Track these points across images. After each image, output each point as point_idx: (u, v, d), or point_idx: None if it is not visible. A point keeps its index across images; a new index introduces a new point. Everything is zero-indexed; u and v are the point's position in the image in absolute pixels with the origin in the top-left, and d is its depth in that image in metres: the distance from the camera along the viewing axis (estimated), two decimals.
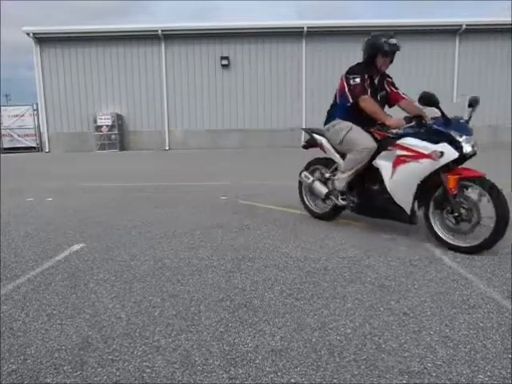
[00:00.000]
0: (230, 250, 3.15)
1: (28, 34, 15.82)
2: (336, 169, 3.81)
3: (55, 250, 3.22)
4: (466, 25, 15.49)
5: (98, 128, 16.07)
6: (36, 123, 17.02)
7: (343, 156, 3.66)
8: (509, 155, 10.58)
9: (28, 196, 5.75)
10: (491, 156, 11.19)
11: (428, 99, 2.96)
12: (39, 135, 17.01)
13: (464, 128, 2.99)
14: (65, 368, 1.64)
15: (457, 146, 2.91)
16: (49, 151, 16.70)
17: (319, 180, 3.99)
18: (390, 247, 3.14)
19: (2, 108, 17.39)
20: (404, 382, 1.52)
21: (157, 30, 15.68)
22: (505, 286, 2.37)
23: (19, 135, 17.16)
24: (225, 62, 16.16)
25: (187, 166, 9.91)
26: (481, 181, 2.86)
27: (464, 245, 2.96)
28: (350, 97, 3.53)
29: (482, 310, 2.09)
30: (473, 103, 3.20)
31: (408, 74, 16.24)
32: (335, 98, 3.77)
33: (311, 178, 4.02)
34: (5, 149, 16.95)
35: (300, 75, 16.29)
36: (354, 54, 15.95)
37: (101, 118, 16.05)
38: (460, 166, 3.02)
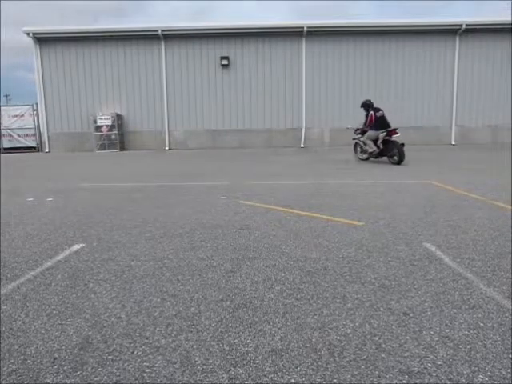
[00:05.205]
0: (230, 249, 3.15)
1: (28, 34, 15.82)
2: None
3: (55, 249, 3.22)
4: (466, 25, 15.49)
5: (98, 128, 16.08)
6: (36, 123, 17.01)
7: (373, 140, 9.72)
8: (509, 155, 10.57)
9: (28, 196, 5.75)
10: (492, 157, 11.19)
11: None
12: (39, 135, 17.00)
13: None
14: (65, 368, 1.64)
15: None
16: (49, 151, 16.70)
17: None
18: (390, 247, 3.15)
19: (2, 108, 17.38)
20: (404, 382, 1.52)
21: (157, 30, 15.68)
22: (505, 286, 2.36)
23: (19, 135, 17.16)
24: (225, 61, 16.16)
25: (187, 166, 9.91)
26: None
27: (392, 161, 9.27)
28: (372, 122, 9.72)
29: (482, 309, 2.09)
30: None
31: (408, 73, 16.25)
32: (366, 122, 9.94)
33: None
34: (5, 149, 16.95)
35: (300, 75, 16.29)
36: (354, 53, 16.02)
37: (101, 118, 16.05)
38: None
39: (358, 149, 10.39)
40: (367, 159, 9.98)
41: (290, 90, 16.44)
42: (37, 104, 16.76)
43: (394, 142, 9.05)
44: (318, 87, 16.37)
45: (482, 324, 1.94)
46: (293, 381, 1.53)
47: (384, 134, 9.16)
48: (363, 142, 9.86)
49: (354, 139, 10.56)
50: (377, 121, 9.42)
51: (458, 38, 15.98)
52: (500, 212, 4.27)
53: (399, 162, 8.84)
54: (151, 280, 2.56)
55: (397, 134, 9.14)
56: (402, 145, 8.91)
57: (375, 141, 9.40)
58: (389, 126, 9.33)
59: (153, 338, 1.86)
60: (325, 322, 1.98)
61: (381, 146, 9.28)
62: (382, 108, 9.70)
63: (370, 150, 9.53)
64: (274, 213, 4.42)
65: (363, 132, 9.95)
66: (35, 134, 17.09)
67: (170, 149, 16.54)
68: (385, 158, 9.54)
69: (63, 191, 6.16)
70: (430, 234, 3.50)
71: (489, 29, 15.81)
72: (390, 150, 9.17)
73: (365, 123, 9.84)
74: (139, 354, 1.74)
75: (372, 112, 9.55)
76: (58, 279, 2.60)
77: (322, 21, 15.98)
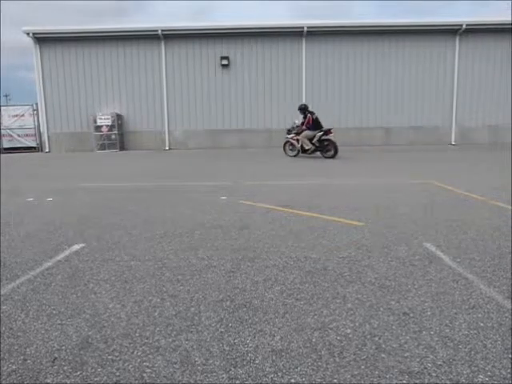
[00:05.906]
0: (230, 250, 3.15)
1: (28, 34, 15.80)
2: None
3: (55, 249, 3.22)
4: (466, 25, 15.47)
5: (98, 128, 16.06)
6: (36, 123, 17.00)
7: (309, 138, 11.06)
8: (509, 155, 10.57)
9: (28, 196, 5.75)
10: (492, 157, 11.18)
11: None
12: (39, 135, 16.99)
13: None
14: (65, 368, 1.64)
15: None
16: (49, 151, 16.69)
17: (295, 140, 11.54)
18: (390, 247, 3.15)
19: (2, 108, 17.37)
20: (404, 382, 1.52)
21: (157, 30, 15.67)
22: (505, 286, 2.37)
23: (19, 135, 17.14)
24: (225, 61, 16.15)
25: (187, 166, 9.91)
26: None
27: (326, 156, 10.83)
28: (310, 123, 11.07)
29: (482, 309, 2.09)
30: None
31: (408, 73, 16.25)
32: (304, 123, 11.20)
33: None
34: (5, 149, 16.94)
35: (300, 75, 16.28)
36: (354, 53, 16.02)
37: (101, 118, 16.03)
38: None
39: (287, 147, 11.92)
40: (296, 156, 11.49)
41: (289, 90, 16.43)
42: (37, 104, 16.74)
43: (330, 140, 10.87)
44: (317, 87, 16.36)
45: (482, 324, 1.94)
46: (293, 381, 1.53)
47: (321, 133, 10.86)
48: (297, 140, 11.38)
49: (286, 137, 11.95)
50: (313, 122, 11.10)
51: (458, 38, 15.96)
52: (500, 212, 4.27)
53: (333, 156, 10.74)
54: (151, 280, 2.56)
55: (332, 133, 10.89)
56: (335, 142, 10.90)
57: (311, 139, 11.00)
58: (322, 126, 11.06)
59: (153, 338, 1.86)
60: (325, 322, 1.98)
61: (317, 144, 10.95)
62: (315, 111, 11.52)
63: (307, 148, 11.09)
64: (275, 213, 4.42)
65: (298, 132, 11.34)
66: (35, 134, 17.07)
67: (169, 149, 16.53)
68: (318, 154, 11.10)
69: (63, 191, 6.16)
70: (430, 233, 3.50)
71: (489, 29, 15.79)
72: (325, 147, 10.95)
73: (302, 124, 11.34)
74: (139, 354, 1.74)
75: (309, 115, 11.16)
76: (58, 279, 2.60)
77: (322, 21, 15.97)
